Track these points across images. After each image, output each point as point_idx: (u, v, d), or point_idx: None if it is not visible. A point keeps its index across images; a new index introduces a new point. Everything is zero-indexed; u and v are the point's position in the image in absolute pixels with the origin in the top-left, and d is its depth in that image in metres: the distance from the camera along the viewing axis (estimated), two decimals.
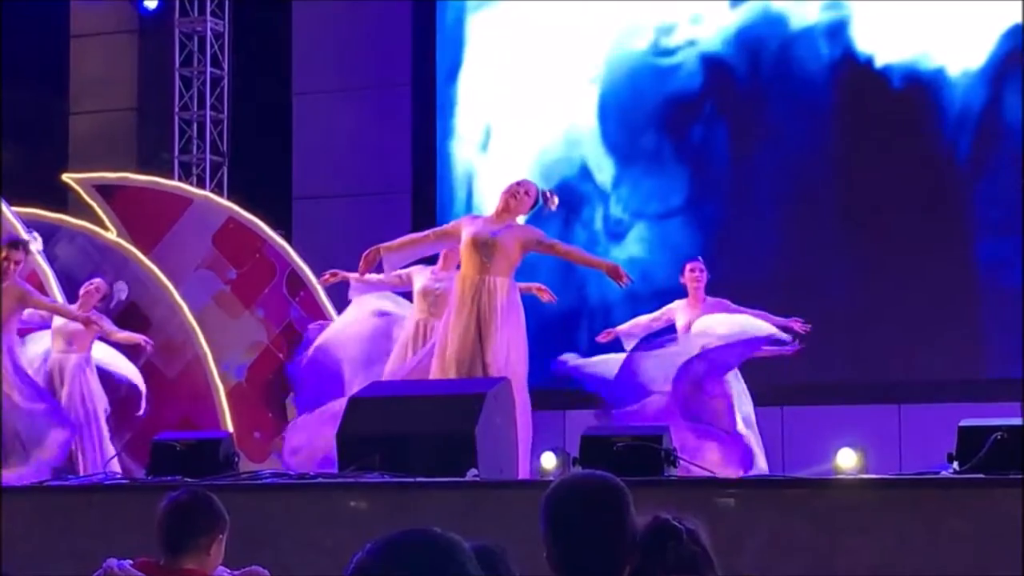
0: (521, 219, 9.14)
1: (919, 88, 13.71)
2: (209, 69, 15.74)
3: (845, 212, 13.88)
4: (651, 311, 10.34)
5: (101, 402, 11.59)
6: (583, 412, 11.84)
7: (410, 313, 10.24)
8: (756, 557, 6.22)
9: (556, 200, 9.30)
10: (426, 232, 9.60)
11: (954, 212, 13.61)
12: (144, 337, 11.67)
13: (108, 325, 11.57)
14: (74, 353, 11.45)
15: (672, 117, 14.46)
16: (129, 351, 11.94)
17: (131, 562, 4.60)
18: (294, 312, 13.62)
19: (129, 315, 13.02)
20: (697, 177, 14.34)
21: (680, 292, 10.80)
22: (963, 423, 6.63)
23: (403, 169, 15.12)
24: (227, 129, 15.83)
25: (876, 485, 6.85)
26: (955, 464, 6.49)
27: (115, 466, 11.10)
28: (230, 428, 12.79)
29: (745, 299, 11.20)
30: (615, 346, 10.81)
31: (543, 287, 10.00)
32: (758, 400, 12.25)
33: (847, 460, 12.62)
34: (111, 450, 11.47)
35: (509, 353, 8.65)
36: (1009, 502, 5.99)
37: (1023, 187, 12.26)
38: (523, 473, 8.41)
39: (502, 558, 3.40)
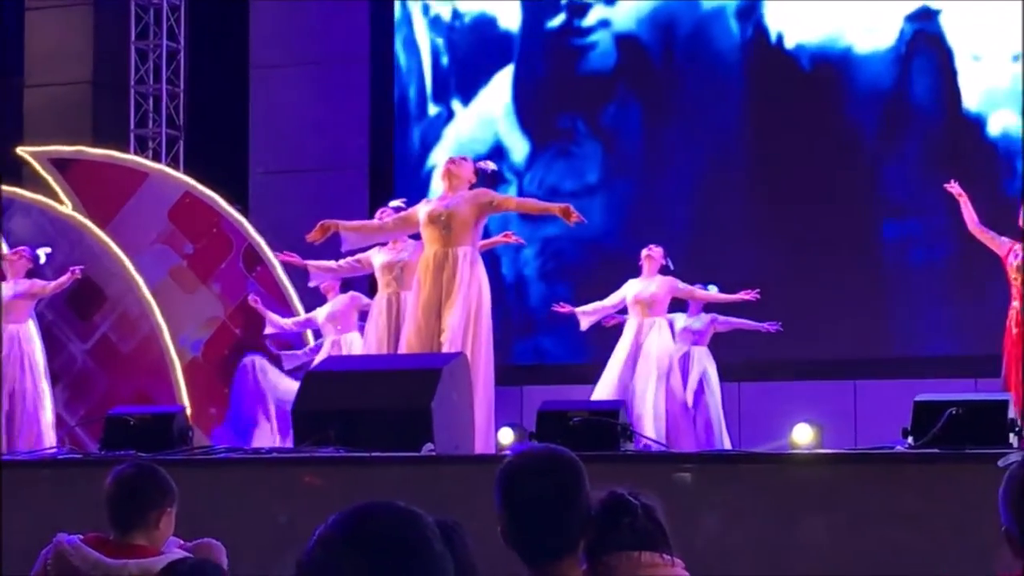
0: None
1: (828, 68, 13.86)
2: (165, 42, 15.62)
3: (756, 190, 14.02)
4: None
5: (38, 373, 11.57)
6: (540, 388, 11.87)
7: (378, 292, 10.29)
8: (712, 532, 6.22)
9: (491, 164, 9.40)
10: (384, 220, 9.58)
11: (862, 191, 13.70)
12: (74, 268, 11.71)
13: (39, 286, 11.65)
14: (11, 324, 11.44)
15: (586, 96, 14.58)
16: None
17: (81, 537, 4.56)
18: (251, 287, 13.56)
19: (84, 289, 12.95)
20: (610, 155, 14.49)
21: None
22: (918, 398, 6.64)
23: (361, 144, 15.07)
24: (183, 103, 15.73)
25: (831, 460, 6.87)
26: (910, 439, 6.50)
27: (49, 438, 11.13)
28: (186, 403, 12.74)
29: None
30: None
31: (509, 233, 10.05)
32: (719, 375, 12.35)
33: (803, 436, 12.67)
34: (47, 420, 11.48)
35: (470, 324, 8.65)
36: (962, 477, 6.01)
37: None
38: (486, 445, 8.41)
39: (458, 532, 3.37)
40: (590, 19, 14.59)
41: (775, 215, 13.83)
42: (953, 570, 5.81)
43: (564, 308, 11.63)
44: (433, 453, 7.11)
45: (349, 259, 10.65)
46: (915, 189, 13.48)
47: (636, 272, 11.45)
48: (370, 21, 15.18)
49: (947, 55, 13.49)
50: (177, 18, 15.75)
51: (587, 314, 11.46)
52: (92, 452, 8.61)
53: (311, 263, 9.99)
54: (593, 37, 14.56)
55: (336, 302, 12.00)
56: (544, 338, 13.90)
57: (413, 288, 9.06)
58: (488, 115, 14.85)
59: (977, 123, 13.39)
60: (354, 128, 15.02)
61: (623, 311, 11.50)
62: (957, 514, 5.94)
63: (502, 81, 14.87)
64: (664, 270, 11.38)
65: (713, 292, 11.63)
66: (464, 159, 9.23)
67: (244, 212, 14.25)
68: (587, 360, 12.58)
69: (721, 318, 12.04)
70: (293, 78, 15.17)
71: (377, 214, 10.21)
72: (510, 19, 14.89)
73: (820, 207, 13.63)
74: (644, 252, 11.42)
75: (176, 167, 15.09)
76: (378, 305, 10.14)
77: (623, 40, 14.47)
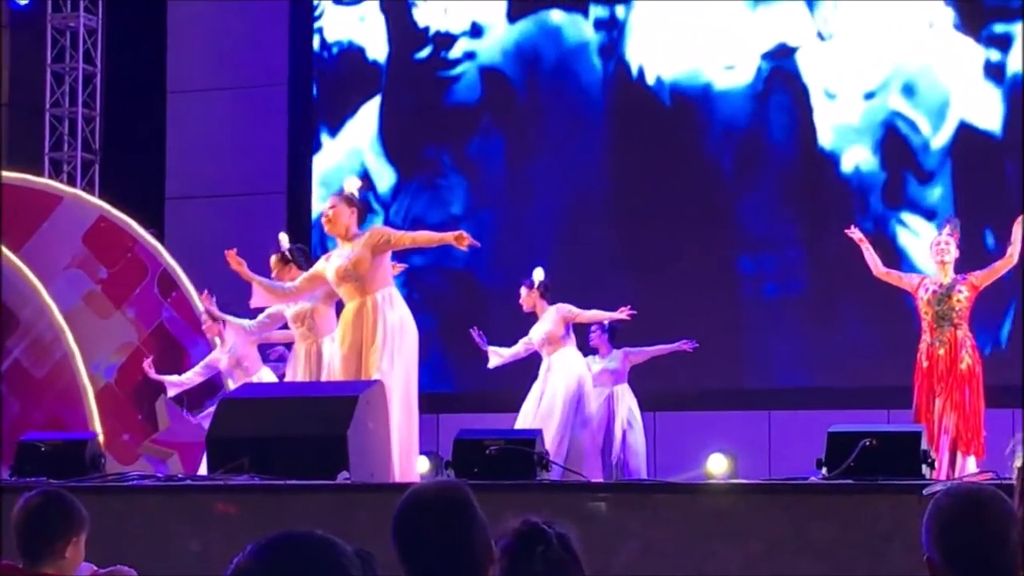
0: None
1: (688, 104, 14.06)
2: (82, 65, 15.50)
3: (618, 223, 14.18)
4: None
5: None
6: (457, 416, 11.85)
7: (295, 343, 10.15)
8: (627, 562, 6.23)
9: (355, 181, 9.28)
10: (292, 285, 9.37)
11: (720, 225, 13.89)
12: None
13: None
14: None
15: (451, 128, 14.71)
16: None
17: None
18: (166, 313, 13.46)
19: None
20: (475, 187, 14.60)
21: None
22: (832, 429, 6.69)
23: (278, 170, 15.02)
24: (99, 126, 15.61)
25: (746, 491, 6.90)
26: (824, 470, 6.54)
27: None
28: (99, 429, 12.61)
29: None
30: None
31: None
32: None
33: (718, 466, 12.71)
34: None
35: (394, 357, 8.60)
36: (876, 507, 6.05)
37: None
38: (408, 474, 8.37)
39: (369, 563, 3.35)
40: (456, 51, 14.70)
41: (637, 248, 13.99)
42: None
43: (480, 341, 11.54)
44: (348, 481, 7.07)
45: (262, 317, 10.59)
46: (771, 224, 13.70)
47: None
48: (288, 46, 15.15)
49: (803, 92, 13.70)
50: (94, 41, 15.64)
51: (499, 355, 11.44)
52: (3, 478, 8.50)
53: (257, 280, 9.63)
54: (459, 69, 14.69)
55: (232, 344, 11.46)
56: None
57: (337, 339, 8.98)
58: (355, 145, 14.93)
59: (831, 160, 13.60)
60: (272, 154, 14.97)
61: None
62: (871, 544, 5.97)
63: (369, 112, 14.93)
64: (543, 290, 11.28)
65: (595, 312, 11.57)
66: (333, 204, 8.98)
67: (159, 237, 14.15)
68: (503, 388, 12.57)
69: (632, 351, 12.06)
70: (210, 103, 15.10)
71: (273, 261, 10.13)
72: (377, 50, 14.96)
73: (680, 240, 13.81)
74: (522, 300, 11.31)
75: (91, 191, 14.97)
76: (296, 356, 10.04)
77: (488, 73, 14.61)
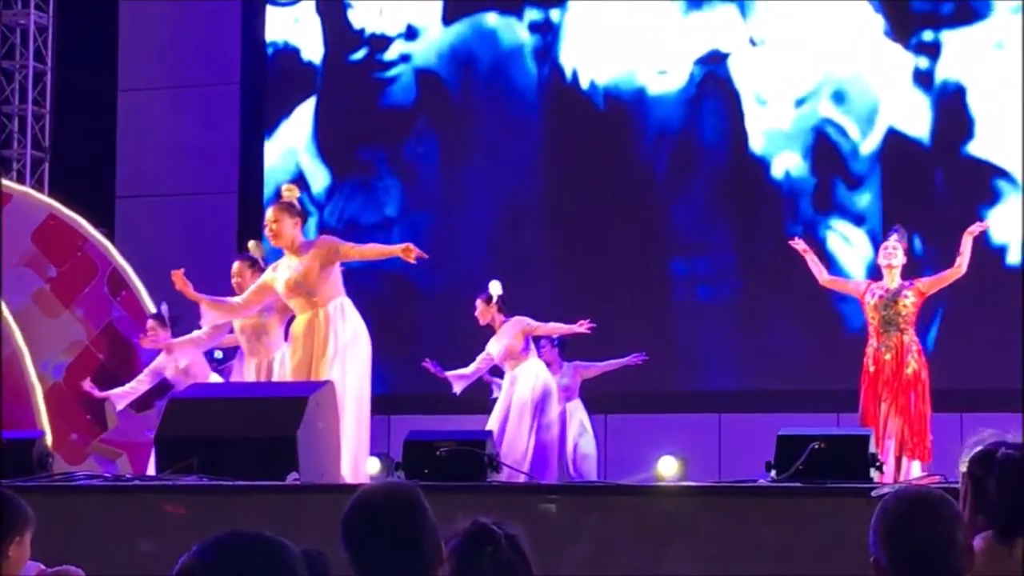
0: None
1: (621, 108, 14.16)
2: (32, 63, 15.41)
3: (552, 226, 14.27)
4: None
5: None
6: (407, 417, 11.84)
7: (245, 357, 10.04)
8: (578, 563, 6.23)
9: (291, 189, 9.17)
10: (240, 299, 9.24)
11: (653, 229, 13.98)
12: None
13: None
14: None
15: (386, 129, 14.73)
16: None
17: None
18: (115, 312, 13.38)
19: None
20: (409, 189, 14.64)
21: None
22: (781, 432, 6.71)
23: (230, 169, 14.97)
24: (49, 124, 15.52)
25: (696, 493, 6.91)
26: (773, 472, 6.57)
27: None
28: (46, 429, 12.53)
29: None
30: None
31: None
32: (584, 406, 12.42)
33: (668, 468, 12.74)
34: None
35: (345, 374, 8.55)
36: (824, 510, 6.07)
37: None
38: (358, 478, 8.34)
39: (323, 564, 3.34)
40: (391, 53, 14.75)
41: (570, 250, 14.07)
42: None
43: (434, 369, 11.44)
44: (298, 482, 7.05)
45: (208, 329, 10.45)
46: (703, 228, 13.80)
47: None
48: (241, 45, 15.10)
49: (735, 98, 13.80)
50: (45, 39, 15.55)
51: (460, 377, 11.34)
52: None
53: (205, 299, 9.49)
54: (394, 71, 14.74)
55: (186, 364, 11.23)
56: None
57: (289, 352, 8.91)
58: (290, 146, 14.91)
59: (762, 165, 13.70)
60: (224, 153, 14.91)
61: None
62: (819, 546, 6.00)
63: (304, 112, 14.91)
64: (500, 304, 11.24)
65: (553, 325, 11.54)
66: (276, 217, 8.85)
67: (109, 236, 14.07)
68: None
69: (584, 365, 12.11)
70: (162, 101, 15.04)
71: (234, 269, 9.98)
72: (312, 51, 14.95)
73: (613, 243, 13.88)
74: (478, 313, 11.23)
75: (41, 189, 14.88)
76: (247, 369, 9.95)
77: (423, 75, 14.66)
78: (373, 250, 9.30)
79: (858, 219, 13.34)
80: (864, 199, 13.38)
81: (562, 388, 11.95)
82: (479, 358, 11.30)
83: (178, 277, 9.22)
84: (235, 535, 2.15)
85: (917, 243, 12.62)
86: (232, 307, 9.29)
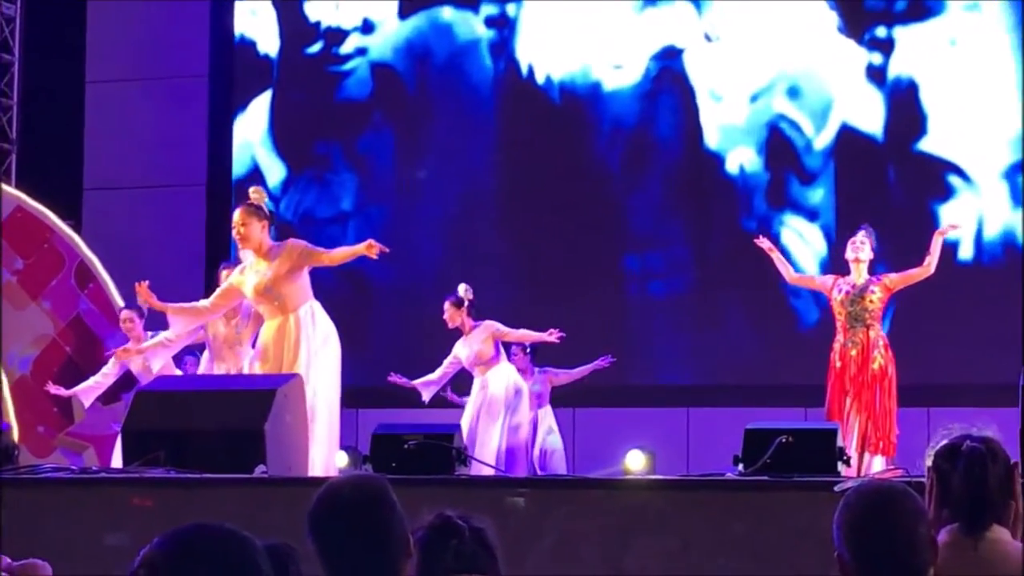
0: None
1: (577, 103, 14.20)
2: None
3: (508, 219, 14.28)
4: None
5: None
6: (376, 411, 11.84)
7: (215, 366, 9.99)
8: (545, 556, 6.24)
9: (259, 192, 9.09)
10: (206, 300, 9.18)
11: (608, 223, 14.00)
12: None
13: None
14: None
15: (342, 123, 14.73)
16: None
17: None
18: (83, 305, 13.34)
19: None
20: (365, 183, 14.63)
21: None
22: (749, 426, 6.74)
23: (199, 162, 14.93)
24: (16, 116, 15.45)
25: (663, 486, 6.93)
26: (740, 466, 6.59)
27: None
28: (13, 422, 12.49)
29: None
30: None
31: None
32: (552, 402, 12.45)
33: (636, 462, 12.75)
34: None
35: (317, 375, 8.52)
36: (792, 503, 6.09)
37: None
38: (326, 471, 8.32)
39: (292, 557, 3.34)
40: (347, 47, 14.75)
41: (525, 245, 14.08)
42: None
43: (400, 381, 11.40)
44: (266, 475, 7.04)
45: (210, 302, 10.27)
46: (657, 223, 13.84)
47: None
48: (210, 37, 15.06)
49: (690, 93, 13.84)
50: (12, 30, 15.47)
51: (427, 384, 11.31)
52: None
53: (170, 307, 9.33)
54: (350, 65, 14.75)
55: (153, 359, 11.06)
56: None
57: (258, 358, 8.86)
58: (245, 139, 14.90)
59: (717, 160, 13.74)
60: (192, 145, 14.87)
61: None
62: (786, 540, 6.01)
63: (260, 106, 14.90)
64: (470, 307, 11.23)
65: (523, 332, 11.52)
66: (244, 221, 8.76)
67: (77, 228, 14.03)
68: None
69: (554, 372, 12.14)
70: (130, 93, 14.98)
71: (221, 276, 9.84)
72: (268, 44, 14.93)
73: (568, 238, 13.91)
74: (447, 316, 11.21)
75: (8, 181, 14.81)
76: (216, 373, 9.90)
77: (379, 69, 14.67)
78: (341, 254, 9.06)
79: (812, 214, 13.40)
80: (817, 194, 13.44)
81: (534, 394, 11.99)
82: (446, 362, 11.28)
83: (142, 289, 9.18)
84: (196, 527, 2.15)
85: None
86: (199, 311, 9.19)
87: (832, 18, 13.51)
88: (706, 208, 13.75)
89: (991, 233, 12.51)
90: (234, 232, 8.89)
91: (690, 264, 13.78)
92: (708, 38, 13.81)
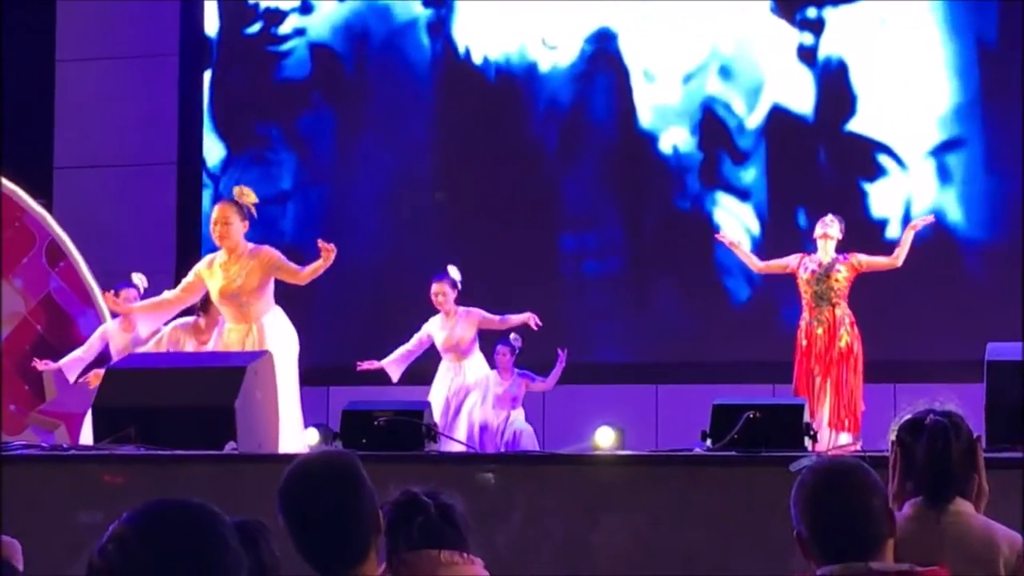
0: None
1: (513, 83, 14.25)
2: None
3: (446, 200, 14.33)
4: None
5: None
6: (345, 388, 11.86)
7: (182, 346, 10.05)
8: (514, 532, 6.28)
9: (248, 194, 9.02)
10: (171, 293, 9.17)
11: (543, 203, 14.05)
12: None
13: None
14: None
15: (281, 103, 14.74)
16: None
17: None
18: (53, 283, 13.34)
19: None
20: (304, 162, 14.66)
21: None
22: (716, 402, 6.78)
23: (169, 140, 14.90)
24: None
25: (631, 462, 6.98)
26: (708, 442, 6.63)
27: None
28: None
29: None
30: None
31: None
32: None
33: (605, 438, 12.81)
34: None
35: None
36: (759, 478, 6.14)
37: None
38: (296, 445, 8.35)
39: (262, 533, 3.36)
40: (286, 27, 14.77)
41: (462, 224, 14.11)
42: (749, 570, 5.93)
43: (371, 365, 11.30)
44: (236, 452, 7.06)
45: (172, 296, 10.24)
46: (591, 202, 13.90)
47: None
48: (180, 16, 15.03)
49: (624, 74, 13.88)
50: None
51: (395, 363, 11.22)
52: None
53: (136, 307, 9.29)
54: (289, 45, 14.76)
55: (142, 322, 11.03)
56: None
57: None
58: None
59: (650, 140, 13.79)
60: (163, 125, 14.85)
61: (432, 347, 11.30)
62: (754, 515, 6.06)
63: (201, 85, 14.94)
64: (458, 298, 11.20)
65: (508, 318, 11.48)
66: (228, 220, 8.74)
67: (48, 207, 14.01)
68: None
69: (531, 378, 12.18)
70: (100, 72, 14.95)
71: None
72: (208, 24, 14.92)
73: (504, 217, 13.96)
74: (434, 292, 11.08)
75: None
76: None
77: (318, 49, 14.69)
78: (309, 271, 8.87)
79: (744, 194, 13.47)
80: (750, 174, 13.51)
81: (512, 396, 12.05)
82: (415, 338, 11.18)
83: (108, 299, 9.22)
84: (165, 503, 2.17)
85: (801, 217, 12.84)
86: (164, 304, 9.19)
87: None
88: (640, 188, 13.82)
89: (919, 211, 12.53)
90: (214, 227, 8.84)
91: (623, 244, 13.84)
92: (642, 18, 13.80)
